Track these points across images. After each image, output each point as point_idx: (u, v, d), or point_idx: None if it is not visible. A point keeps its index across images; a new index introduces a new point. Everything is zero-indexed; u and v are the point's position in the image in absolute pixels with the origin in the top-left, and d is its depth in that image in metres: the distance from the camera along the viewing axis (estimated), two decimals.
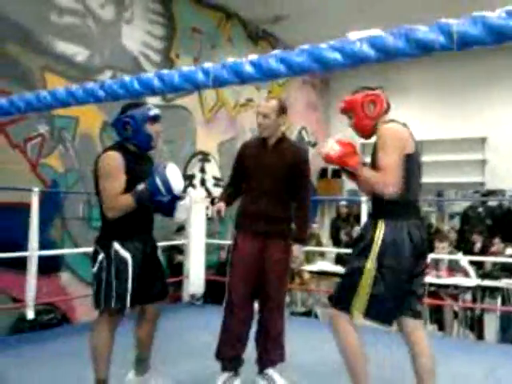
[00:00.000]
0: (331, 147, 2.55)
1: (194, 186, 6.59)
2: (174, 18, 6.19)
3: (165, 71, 0.99)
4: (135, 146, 2.73)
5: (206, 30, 6.72)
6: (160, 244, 5.77)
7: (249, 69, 0.91)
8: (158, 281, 2.85)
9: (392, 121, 2.56)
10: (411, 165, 2.47)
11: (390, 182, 2.40)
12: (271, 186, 3.04)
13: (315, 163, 9.54)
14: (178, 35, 6.24)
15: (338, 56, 0.83)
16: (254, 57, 0.92)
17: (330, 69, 0.84)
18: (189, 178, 6.55)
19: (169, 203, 2.64)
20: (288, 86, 8.76)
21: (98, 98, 1.07)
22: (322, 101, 9.84)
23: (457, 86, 8.88)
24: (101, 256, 2.68)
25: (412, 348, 2.45)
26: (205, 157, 6.88)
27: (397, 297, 2.42)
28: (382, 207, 2.49)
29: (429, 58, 8.79)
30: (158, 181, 2.50)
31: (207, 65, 0.96)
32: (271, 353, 3.15)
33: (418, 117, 9.06)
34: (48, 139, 4.70)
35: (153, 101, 5.88)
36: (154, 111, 2.80)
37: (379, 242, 2.40)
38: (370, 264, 2.39)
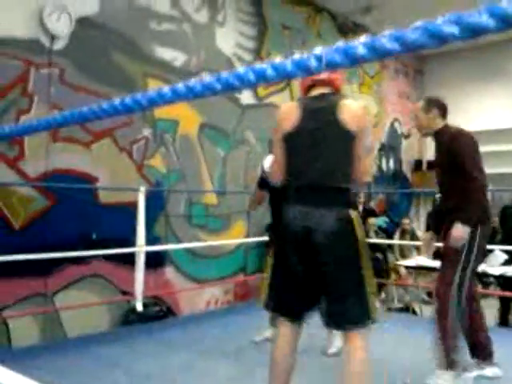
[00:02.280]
0: None
1: None
2: (264, 16, 6.29)
3: (277, 60, 1.04)
4: None
5: (296, 26, 6.75)
6: (255, 240, 5.92)
7: (362, 50, 0.92)
8: None
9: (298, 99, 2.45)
10: (289, 145, 2.27)
11: (271, 168, 2.50)
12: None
13: (409, 155, 9.26)
14: (268, 34, 6.33)
15: (455, 29, 0.82)
16: (365, 38, 0.93)
17: (447, 43, 0.84)
18: None
19: None
20: (380, 76, 8.57)
21: (215, 90, 1.13)
22: (416, 90, 9.50)
23: None
24: None
25: None
26: None
27: (281, 290, 2.26)
28: None
29: None
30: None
31: (319, 50, 0.98)
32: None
33: None
34: (151, 141, 4.98)
35: (247, 100, 6.04)
36: None
37: None
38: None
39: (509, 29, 0.81)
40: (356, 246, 2.15)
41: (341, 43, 0.96)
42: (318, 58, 0.99)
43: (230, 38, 5.84)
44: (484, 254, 3.16)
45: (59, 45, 4.27)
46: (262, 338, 3.92)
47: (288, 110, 2.33)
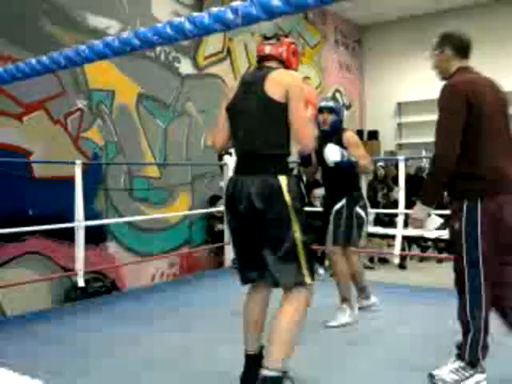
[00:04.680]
0: None
1: (230, 154, 6.65)
2: None
3: (195, 14, 1.02)
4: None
5: None
6: (199, 211, 5.92)
7: (277, 3, 0.93)
8: None
9: None
10: (230, 118, 2.45)
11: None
12: None
13: (351, 125, 9.44)
14: (207, 1, 6.21)
15: None
16: None
17: None
18: None
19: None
20: (321, 47, 8.63)
21: (134, 46, 1.10)
22: (356, 61, 9.65)
23: (496, 36, 8.50)
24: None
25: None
26: None
27: (237, 255, 2.50)
28: None
29: (467, 9, 8.47)
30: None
31: (235, 3, 0.98)
32: None
33: None
34: (86, 113, 4.82)
35: (186, 69, 5.94)
36: (320, 104, 3.67)
37: None
38: None
39: None
40: (286, 211, 2.24)
41: None
42: (234, 11, 0.98)
43: (167, 6, 5.69)
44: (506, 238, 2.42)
45: None
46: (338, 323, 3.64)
47: (234, 83, 2.52)
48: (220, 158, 5.86)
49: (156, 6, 5.54)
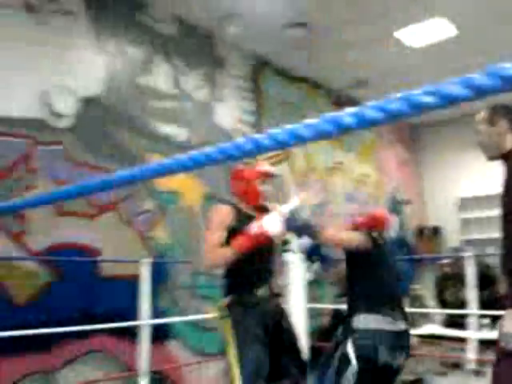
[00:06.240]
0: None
1: (289, 251, 6.66)
2: (262, 92, 6.58)
3: (274, 130, 1.12)
4: None
5: (293, 101, 7.04)
6: None
7: (349, 120, 1.01)
8: None
9: None
10: None
11: None
12: None
13: (412, 222, 9.30)
14: (266, 108, 6.59)
15: (431, 99, 0.90)
16: (352, 109, 1.02)
17: (426, 112, 0.92)
18: (285, 243, 6.62)
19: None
20: (377, 145, 8.80)
21: (215, 159, 1.21)
22: (413, 157, 9.73)
23: None
24: None
25: None
26: None
27: None
28: None
29: None
30: None
31: (310, 120, 1.07)
32: None
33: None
34: (154, 213, 5.06)
35: None
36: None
37: None
38: None
39: (478, 98, 0.89)
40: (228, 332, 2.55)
41: (329, 113, 1.05)
42: (310, 127, 1.07)
43: (230, 113, 6.08)
44: None
45: (64, 123, 4.45)
46: None
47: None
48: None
49: (219, 113, 5.94)
